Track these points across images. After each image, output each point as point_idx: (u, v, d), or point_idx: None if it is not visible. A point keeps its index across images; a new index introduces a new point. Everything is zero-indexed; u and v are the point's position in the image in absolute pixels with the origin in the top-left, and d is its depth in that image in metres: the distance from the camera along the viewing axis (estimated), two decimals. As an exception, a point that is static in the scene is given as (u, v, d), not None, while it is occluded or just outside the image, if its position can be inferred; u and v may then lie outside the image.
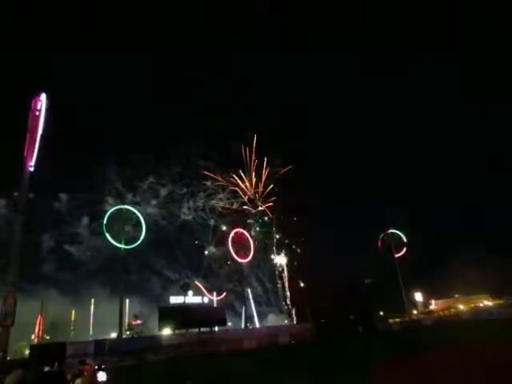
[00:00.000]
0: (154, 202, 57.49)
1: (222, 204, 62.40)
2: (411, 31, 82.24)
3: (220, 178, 62.61)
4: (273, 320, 60.62)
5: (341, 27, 78.55)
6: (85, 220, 53.13)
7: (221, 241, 60.63)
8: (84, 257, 52.23)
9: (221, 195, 62.63)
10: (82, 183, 52.13)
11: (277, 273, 64.35)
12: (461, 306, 68.24)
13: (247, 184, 64.60)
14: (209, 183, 62.06)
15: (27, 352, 34.94)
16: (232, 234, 53.56)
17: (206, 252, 60.62)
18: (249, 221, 63.74)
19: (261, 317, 59.68)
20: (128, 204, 51.95)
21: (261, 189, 65.16)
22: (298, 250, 66.31)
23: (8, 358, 25.25)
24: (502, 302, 62.98)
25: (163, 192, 59.12)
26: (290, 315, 62.70)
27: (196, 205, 61.09)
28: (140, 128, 65.56)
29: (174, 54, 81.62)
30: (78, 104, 56.66)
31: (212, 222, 61.83)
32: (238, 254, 52.83)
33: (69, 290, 50.96)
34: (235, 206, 63.74)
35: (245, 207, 64.85)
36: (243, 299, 53.24)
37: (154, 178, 58.60)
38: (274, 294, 63.31)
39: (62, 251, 50.77)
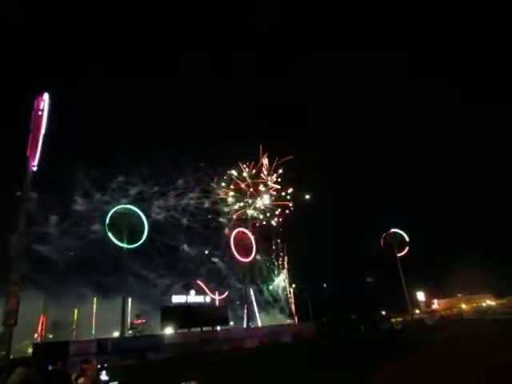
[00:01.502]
0: (123, 201, 56.23)
1: (193, 203, 61.26)
2: (410, 31, 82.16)
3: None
4: (266, 320, 59.75)
5: (340, 28, 78.62)
6: (53, 219, 51.93)
7: (196, 241, 59.92)
8: (57, 257, 51.05)
9: (192, 194, 61.76)
10: (49, 182, 50.70)
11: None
12: (463, 306, 68.06)
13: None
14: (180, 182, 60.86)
15: (30, 351, 35.08)
16: (233, 234, 53.61)
17: (181, 252, 59.27)
18: (220, 219, 63.13)
19: (252, 317, 58.53)
20: (97, 203, 52.02)
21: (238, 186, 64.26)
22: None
23: (11, 357, 25.36)
24: (504, 301, 62.79)
25: (133, 191, 57.74)
26: (290, 314, 62.50)
27: (167, 204, 60.01)
28: (111, 126, 64.63)
29: (170, 53, 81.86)
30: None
31: (185, 222, 61.03)
32: (239, 254, 52.86)
33: (47, 291, 49.91)
34: (207, 204, 62.83)
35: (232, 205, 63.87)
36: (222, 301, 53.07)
37: (123, 177, 57.19)
38: (259, 293, 62.21)
39: (32, 251, 49.50)
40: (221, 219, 62.46)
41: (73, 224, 50.90)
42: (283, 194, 64.75)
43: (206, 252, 59.71)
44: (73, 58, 69.85)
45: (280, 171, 65.09)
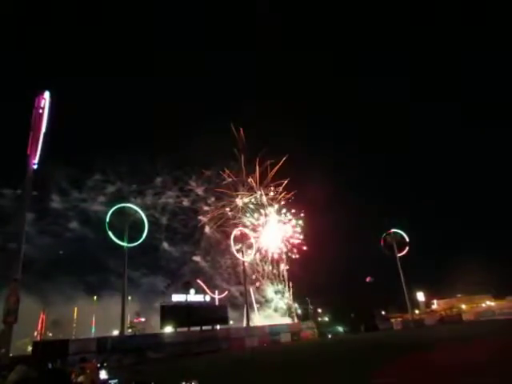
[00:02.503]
0: (101, 199, 55.53)
1: (172, 201, 60.74)
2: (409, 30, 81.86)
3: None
4: (259, 320, 59.32)
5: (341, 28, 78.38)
6: (29, 217, 51.36)
7: (176, 240, 59.55)
8: (36, 255, 50.41)
9: (170, 193, 61.32)
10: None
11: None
12: (463, 306, 68.06)
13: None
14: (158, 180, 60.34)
15: (30, 349, 35.14)
16: (234, 233, 53.59)
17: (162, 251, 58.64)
18: (200, 217, 62.89)
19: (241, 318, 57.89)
20: (74, 201, 51.79)
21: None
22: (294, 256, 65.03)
23: (11, 355, 25.38)
24: (504, 302, 62.79)
25: (110, 189, 56.79)
26: (290, 314, 62.45)
27: (145, 202, 59.35)
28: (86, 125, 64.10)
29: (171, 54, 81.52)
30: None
31: (164, 221, 60.54)
32: (239, 253, 52.85)
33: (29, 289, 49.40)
34: (186, 203, 62.40)
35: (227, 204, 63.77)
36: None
37: (100, 175, 56.29)
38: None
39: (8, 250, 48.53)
40: (201, 218, 62.22)
41: (50, 222, 50.53)
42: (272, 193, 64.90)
43: (187, 251, 59.69)
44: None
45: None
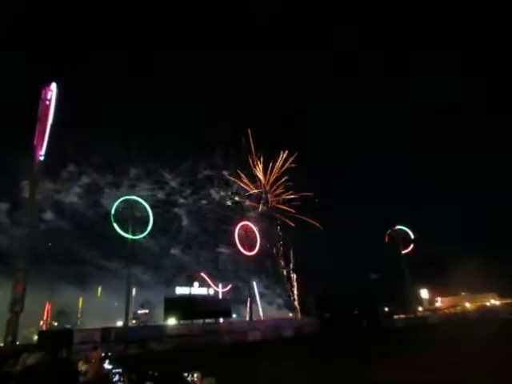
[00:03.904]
0: (76, 191, 55.31)
1: (146, 194, 60.49)
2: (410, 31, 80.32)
3: None
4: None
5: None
6: (2, 207, 50.67)
7: (154, 232, 59.25)
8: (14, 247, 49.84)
9: (145, 185, 61.24)
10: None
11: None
12: (467, 304, 67.78)
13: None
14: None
15: (35, 338, 35.63)
16: (238, 227, 53.54)
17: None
18: (176, 209, 62.79)
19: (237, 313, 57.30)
20: (48, 192, 52.04)
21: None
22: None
23: (17, 343, 25.77)
24: (509, 301, 62.47)
25: (85, 181, 56.66)
26: (293, 309, 62.61)
27: (120, 194, 58.79)
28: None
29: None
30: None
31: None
32: (243, 247, 52.87)
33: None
34: (161, 195, 62.35)
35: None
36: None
37: (74, 166, 56.24)
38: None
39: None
40: (176, 210, 62.34)
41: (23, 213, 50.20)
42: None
43: (166, 244, 59.86)
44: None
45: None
